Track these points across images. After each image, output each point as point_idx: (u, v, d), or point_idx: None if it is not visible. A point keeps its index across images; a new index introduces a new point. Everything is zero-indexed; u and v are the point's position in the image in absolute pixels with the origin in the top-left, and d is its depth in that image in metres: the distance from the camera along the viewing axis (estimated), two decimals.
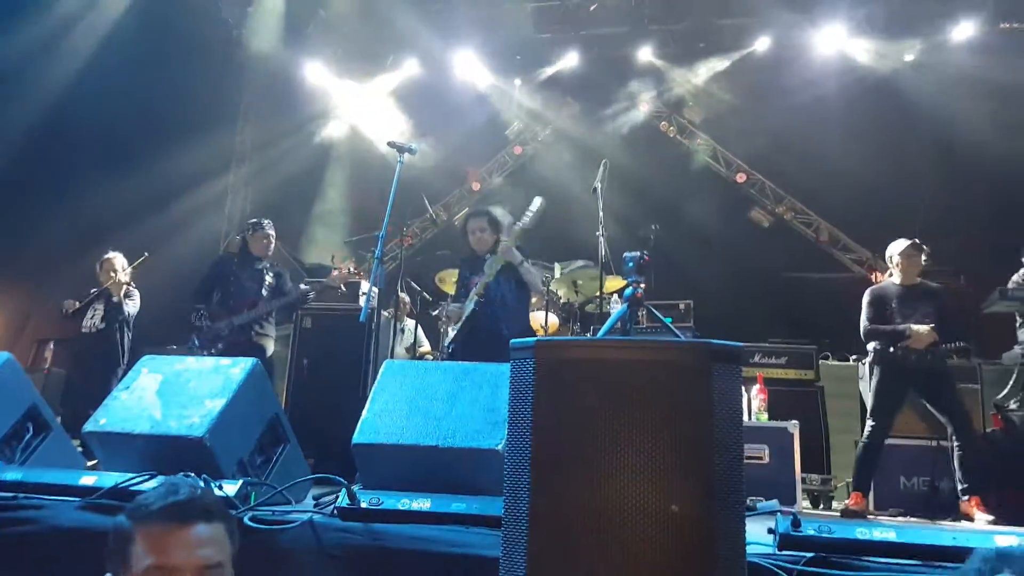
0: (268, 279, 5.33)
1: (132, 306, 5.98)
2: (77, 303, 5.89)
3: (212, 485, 2.36)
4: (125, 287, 5.90)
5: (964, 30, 8.01)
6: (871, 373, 4.80)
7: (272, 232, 5.42)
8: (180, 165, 8.31)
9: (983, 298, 5.52)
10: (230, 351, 4.71)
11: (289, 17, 9.51)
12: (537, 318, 5.82)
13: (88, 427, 2.80)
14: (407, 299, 6.62)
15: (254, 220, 5.51)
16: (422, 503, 2.27)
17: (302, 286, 5.34)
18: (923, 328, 4.58)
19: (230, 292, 5.24)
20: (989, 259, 6.51)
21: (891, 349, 4.67)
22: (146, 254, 6.10)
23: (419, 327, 6.63)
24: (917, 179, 7.72)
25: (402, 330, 6.63)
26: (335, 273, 5.29)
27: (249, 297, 5.23)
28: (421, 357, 6.53)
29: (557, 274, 5.27)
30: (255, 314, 5.17)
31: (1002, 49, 7.84)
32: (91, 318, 5.88)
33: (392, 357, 5.94)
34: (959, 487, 4.45)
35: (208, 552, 1.49)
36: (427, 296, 6.86)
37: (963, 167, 7.62)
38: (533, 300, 5.47)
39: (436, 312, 5.81)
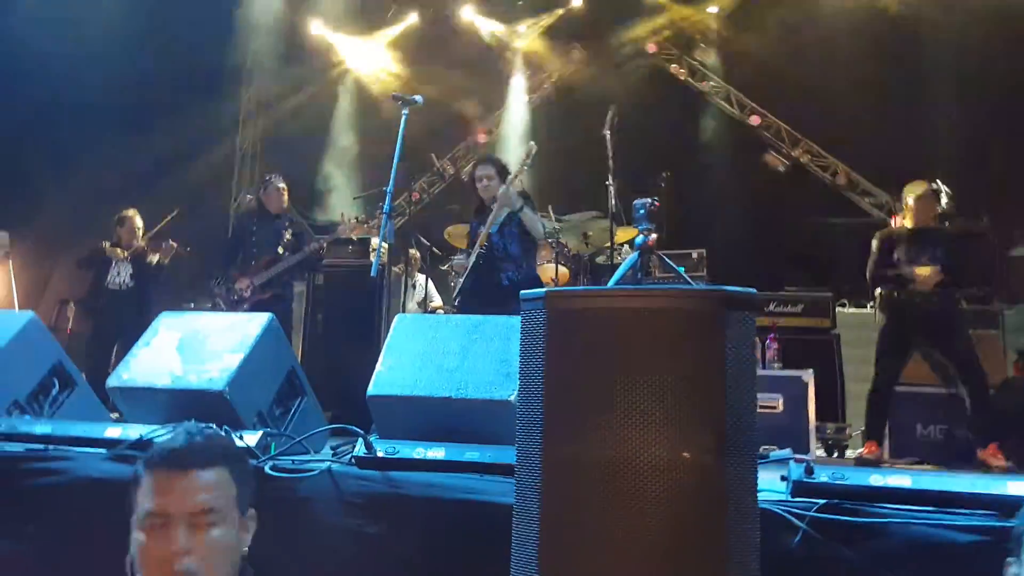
0: (287, 236, 5.39)
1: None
2: (119, 250, 5.89)
3: (233, 436, 2.42)
4: (174, 249, 5.89)
5: None
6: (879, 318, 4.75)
7: (283, 184, 5.45)
8: (188, 126, 8.31)
9: (1007, 240, 5.40)
10: (255, 310, 4.77)
11: None
12: (548, 270, 5.80)
13: (111, 382, 2.88)
14: (417, 254, 6.63)
15: (265, 176, 5.55)
16: (437, 452, 2.31)
17: (312, 243, 5.37)
18: (925, 269, 4.45)
19: (250, 251, 5.34)
20: (1014, 200, 6.36)
21: (896, 294, 4.58)
22: (176, 210, 6.13)
23: (430, 282, 6.64)
24: (937, 118, 7.50)
25: (413, 285, 6.66)
26: (342, 226, 5.33)
27: (265, 254, 5.29)
28: (433, 312, 6.57)
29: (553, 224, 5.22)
30: (273, 272, 5.23)
31: None
32: (117, 275, 5.88)
33: (404, 312, 5.98)
34: (971, 436, 4.41)
35: (204, 497, 1.51)
36: (436, 251, 6.85)
37: (985, 105, 7.38)
38: (543, 252, 5.44)
39: (445, 267, 5.80)
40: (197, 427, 1.64)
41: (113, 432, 2.60)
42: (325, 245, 5.38)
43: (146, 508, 1.50)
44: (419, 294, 6.55)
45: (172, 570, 1.46)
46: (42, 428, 2.69)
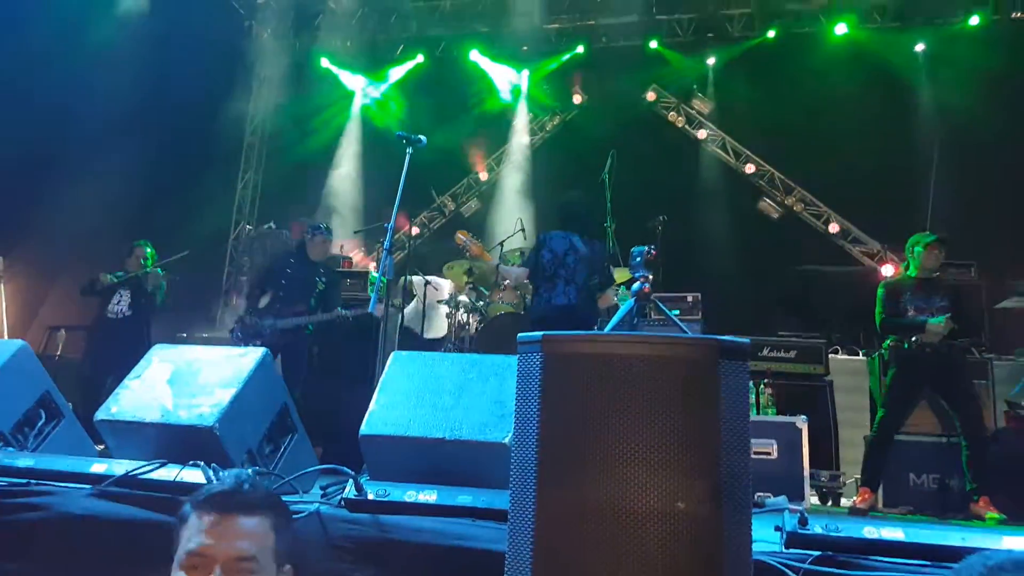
0: (319, 287, 5.35)
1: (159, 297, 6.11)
2: (112, 278, 5.93)
3: (221, 474, 2.38)
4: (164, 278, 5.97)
5: (975, 19, 7.91)
6: (887, 368, 4.76)
7: (331, 239, 5.53)
8: (192, 155, 8.38)
9: (994, 291, 5.45)
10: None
11: (299, 8, 9.52)
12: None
13: (100, 415, 2.80)
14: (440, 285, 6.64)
15: (315, 224, 5.56)
16: (429, 495, 2.26)
17: (341, 310, 5.28)
18: (938, 321, 4.52)
19: (279, 293, 5.26)
20: (1000, 252, 6.44)
21: (906, 345, 4.62)
22: (187, 251, 6.24)
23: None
24: (927, 170, 7.64)
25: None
26: (376, 308, 5.37)
27: (297, 301, 5.24)
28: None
29: None
30: (298, 322, 5.19)
31: (1013, 38, 7.77)
32: (117, 303, 5.93)
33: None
34: (968, 487, 4.40)
35: (243, 544, 1.52)
36: (435, 287, 6.85)
37: (974, 158, 7.54)
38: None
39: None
40: (246, 473, 1.65)
41: (98, 468, 2.53)
42: (351, 318, 5.26)
43: (189, 547, 1.51)
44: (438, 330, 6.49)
45: None
46: (25, 461, 2.62)
